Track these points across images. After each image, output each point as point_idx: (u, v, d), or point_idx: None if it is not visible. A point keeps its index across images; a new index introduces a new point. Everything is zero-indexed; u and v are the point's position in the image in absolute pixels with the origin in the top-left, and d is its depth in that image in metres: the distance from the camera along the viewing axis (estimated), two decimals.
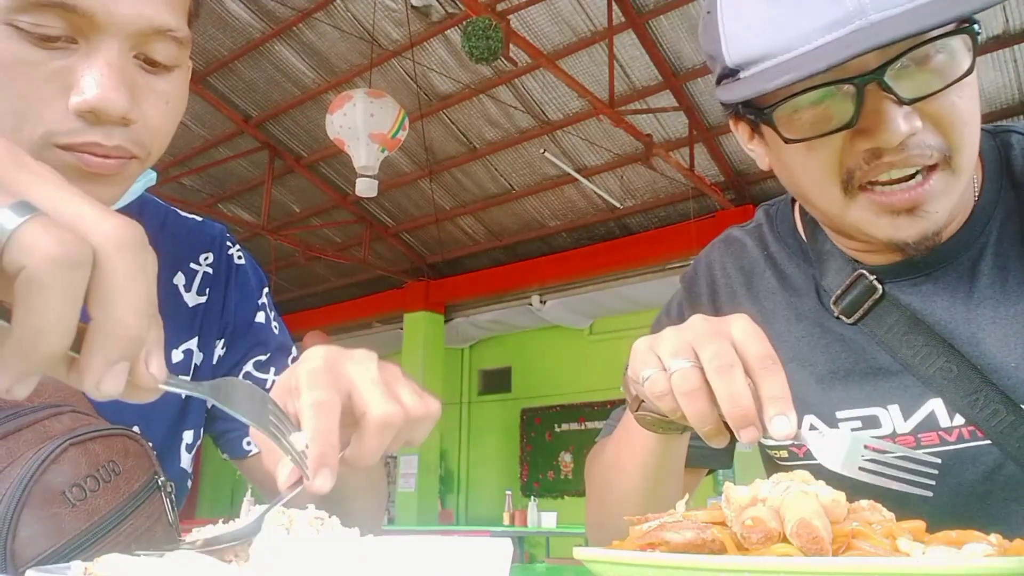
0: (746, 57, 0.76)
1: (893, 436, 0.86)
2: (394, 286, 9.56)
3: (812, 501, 0.48)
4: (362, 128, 5.17)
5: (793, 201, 1.02)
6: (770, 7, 0.74)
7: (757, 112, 0.80)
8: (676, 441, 0.83)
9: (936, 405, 0.84)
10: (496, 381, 10.26)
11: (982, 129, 0.91)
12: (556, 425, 9.43)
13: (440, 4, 6.05)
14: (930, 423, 0.84)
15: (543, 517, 7.59)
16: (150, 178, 0.84)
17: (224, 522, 0.56)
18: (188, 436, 0.92)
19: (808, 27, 0.71)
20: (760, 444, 0.96)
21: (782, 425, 0.59)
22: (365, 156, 5.31)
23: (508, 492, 8.54)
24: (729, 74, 0.79)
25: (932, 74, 0.73)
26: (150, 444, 0.78)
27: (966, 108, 0.75)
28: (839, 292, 0.90)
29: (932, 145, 0.75)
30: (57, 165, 0.68)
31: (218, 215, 8.47)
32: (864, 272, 0.88)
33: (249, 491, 1.01)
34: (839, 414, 0.89)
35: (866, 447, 0.61)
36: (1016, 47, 5.44)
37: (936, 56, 0.73)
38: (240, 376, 0.96)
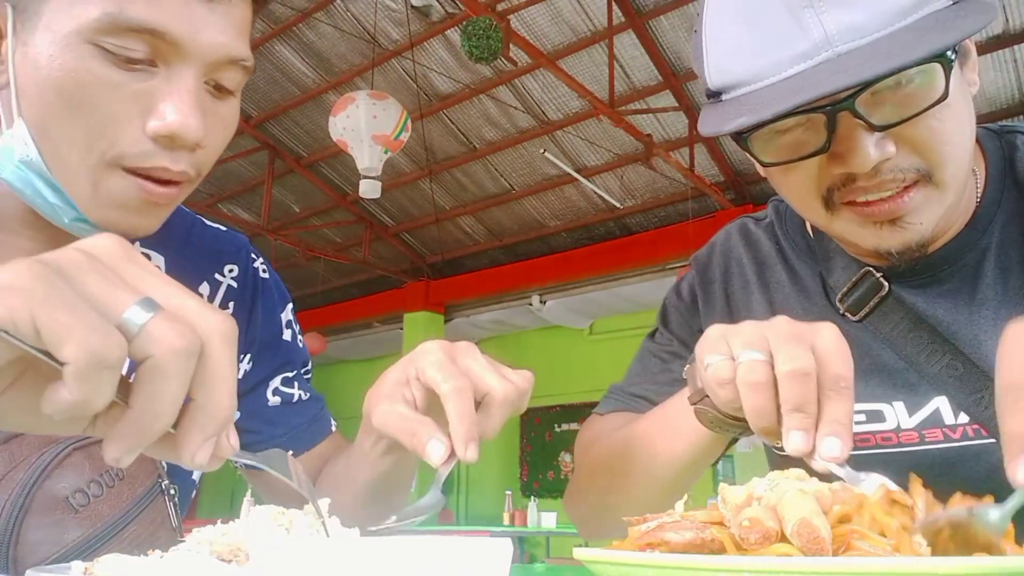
0: (724, 82, 0.78)
1: (897, 431, 0.86)
2: (394, 286, 9.56)
3: (811, 501, 0.48)
4: (365, 130, 5.17)
5: None
6: (744, 34, 0.75)
7: (737, 136, 0.80)
8: (719, 443, 0.81)
9: (941, 403, 0.84)
10: None
11: (987, 128, 0.91)
12: (556, 425, 9.43)
13: (440, 4, 6.05)
14: (935, 420, 0.85)
15: (543, 517, 7.60)
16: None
17: (223, 522, 0.56)
18: None
19: (778, 57, 0.72)
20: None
21: (832, 447, 0.57)
22: (368, 157, 5.31)
23: (508, 492, 8.54)
24: (712, 95, 0.80)
25: (905, 99, 0.72)
26: None
27: (946, 128, 0.74)
28: (845, 289, 0.90)
29: (906, 168, 0.74)
30: (120, 190, 0.70)
31: (218, 215, 8.47)
32: (871, 269, 0.88)
33: (249, 491, 1.00)
34: None
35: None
36: (1016, 47, 5.44)
37: (909, 84, 0.72)
38: (269, 392, 0.98)
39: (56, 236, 0.74)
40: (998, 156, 0.89)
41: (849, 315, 0.90)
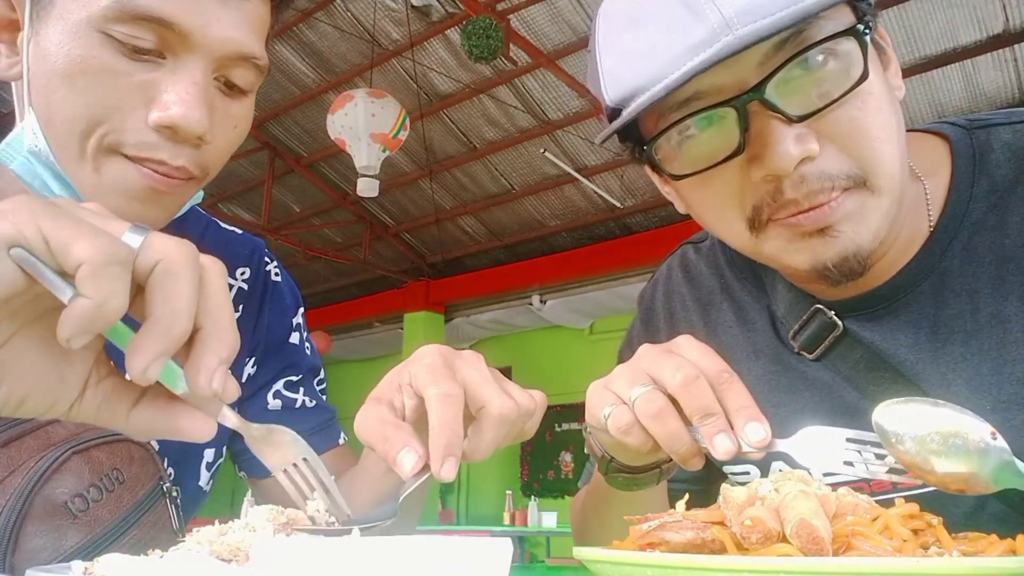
0: (622, 93, 0.70)
1: (868, 480, 0.79)
2: (394, 286, 9.55)
3: (812, 501, 0.48)
4: (363, 128, 5.17)
5: None
6: (637, 37, 0.69)
7: (641, 152, 0.74)
8: (655, 491, 0.79)
9: None
10: None
11: (953, 124, 0.81)
12: (556, 425, 9.42)
13: (440, 4, 6.05)
14: None
15: (543, 517, 7.60)
16: (198, 197, 0.84)
17: (222, 522, 0.56)
18: (209, 455, 0.91)
19: (675, 52, 0.65)
20: (723, 470, 0.92)
21: (756, 431, 0.57)
22: (366, 156, 5.31)
23: (508, 492, 8.54)
24: (613, 115, 0.73)
25: (821, 86, 0.66)
26: (157, 450, 0.77)
27: (872, 120, 0.67)
28: (797, 327, 0.83)
29: (835, 174, 0.67)
30: (120, 174, 0.70)
31: (218, 215, 8.38)
32: (821, 307, 0.81)
33: (250, 492, 1.00)
34: None
35: (848, 440, 0.58)
36: (1016, 47, 5.43)
37: (823, 66, 0.65)
38: (270, 395, 0.95)
39: None
40: (967, 157, 0.78)
41: (805, 354, 0.83)
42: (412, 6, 6.01)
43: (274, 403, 0.96)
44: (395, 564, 0.43)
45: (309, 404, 0.98)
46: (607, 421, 0.62)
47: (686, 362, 0.60)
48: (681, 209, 0.84)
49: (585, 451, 0.80)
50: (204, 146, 0.72)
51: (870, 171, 0.68)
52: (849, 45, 0.65)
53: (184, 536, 0.82)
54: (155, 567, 0.48)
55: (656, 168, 0.74)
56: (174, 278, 0.42)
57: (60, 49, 0.67)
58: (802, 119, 0.66)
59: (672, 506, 0.56)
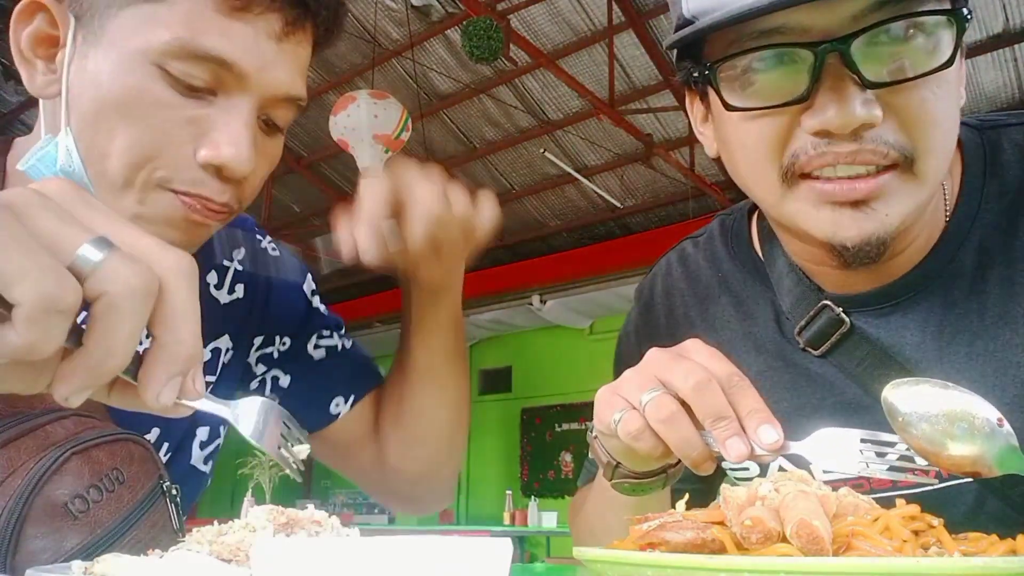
0: (704, 5, 0.67)
1: (869, 478, 0.78)
2: (394, 286, 9.53)
3: (812, 501, 0.48)
4: (366, 129, 5.17)
5: (750, 213, 0.93)
6: None
7: (702, 72, 0.70)
8: (658, 495, 0.78)
9: None
10: (496, 381, 10.24)
11: (967, 124, 0.80)
12: (556, 425, 9.42)
13: (440, 4, 6.05)
14: (906, 461, 0.79)
15: (543, 517, 7.60)
16: None
17: (220, 522, 0.56)
18: (202, 433, 0.92)
19: None
20: (727, 473, 0.92)
21: (769, 434, 0.57)
22: (369, 157, 5.31)
23: (508, 492, 8.54)
24: (685, 24, 0.70)
25: (905, 59, 0.63)
26: (159, 446, 0.77)
27: (940, 108, 0.65)
28: (803, 323, 0.82)
29: (891, 143, 0.65)
30: (165, 206, 0.70)
31: None
32: (829, 303, 0.80)
33: (250, 491, 1.01)
34: None
35: (862, 440, 0.59)
36: (1016, 46, 5.44)
37: (913, 39, 0.63)
38: (310, 347, 0.99)
39: None
40: (977, 157, 0.78)
41: (810, 350, 0.82)
42: (412, 6, 6.01)
43: (317, 353, 0.99)
44: (395, 564, 0.43)
45: (347, 345, 1.02)
46: (617, 426, 0.62)
47: (697, 366, 0.59)
48: (711, 152, 0.80)
49: (589, 455, 0.79)
50: (245, 183, 0.73)
51: (922, 155, 0.66)
52: (945, 27, 0.63)
53: (184, 536, 0.82)
54: (155, 567, 0.48)
55: (714, 90, 0.70)
56: (117, 314, 0.39)
57: (113, 79, 0.66)
58: (875, 86, 0.63)
59: (673, 506, 0.56)
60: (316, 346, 0.99)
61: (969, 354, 0.75)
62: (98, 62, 0.67)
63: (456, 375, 0.96)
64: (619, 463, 0.72)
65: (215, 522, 0.56)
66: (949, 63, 0.63)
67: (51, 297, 0.37)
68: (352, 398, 0.98)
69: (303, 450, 0.58)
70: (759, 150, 0.70)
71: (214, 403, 0.51)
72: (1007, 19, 5.27)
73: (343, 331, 1.04)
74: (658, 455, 0.61)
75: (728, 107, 0.69)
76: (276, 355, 0.97)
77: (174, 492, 0.76)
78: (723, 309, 0.92)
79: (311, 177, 8.41)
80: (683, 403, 0.60)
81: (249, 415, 0.55)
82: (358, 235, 0.72)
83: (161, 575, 0.47)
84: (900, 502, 0.52)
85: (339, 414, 0.97)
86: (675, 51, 0.75)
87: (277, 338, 0.97)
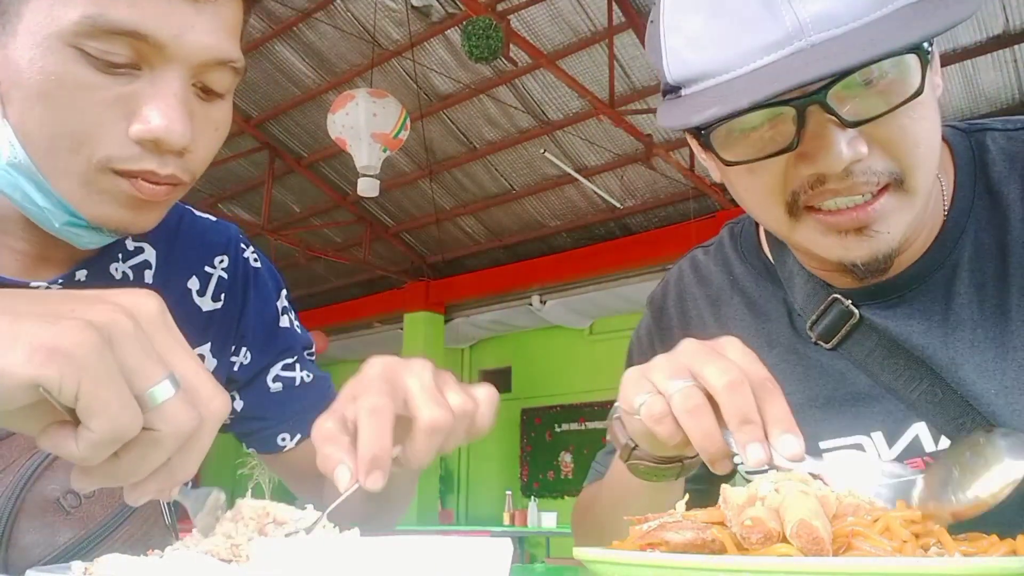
0: (686, 75, 0.73)
1: None
2: (394, 286, 9.55)
3: (812, 501, 0.48)
4: (364, 128, 5.17)
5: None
6: (709, 23, 0.70)
7: (697, 132, 0.75)
8: (673, 487, 0.79)
9: (920, 429, 0.81)
10: (496, 381, 10.14)
11: (953, 127, 0.86)
12: (556, 425, 9.42)
13: (440, 4, 6.05)
14: (915, 449, 0.81)
15: (543, 517, 7.60)
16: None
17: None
18: (285, 442, 0.93)
19: (747, 47, 0.67)
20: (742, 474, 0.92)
21: (790, 444, 0.57)
22: (367, 156, 5.31)
23: (508, 492, 8.54)
24: (671, 90, 0.76)
25: (878, 95, 0.68)
26: None
27: (919, 129, 0.71)
28: (814, 317, 0.85)
29: (879, 171, 0.70)
30: (111, 189, 0.69)
31: (218, 215, 8.37)
32: (838, 296, 0.83)
33: (249, 492, 1.01)
34: (822, 444, 0.85)
35: (882, 473, 0.58)
36: (1016, 47, 5.44)
37: (883, 76, 0.68)
38: (269, 379, 0.98)
39: (50, 238, 0.73)
40: (967, 158, 0.83)
41: (821, 343, 0.85)
42: (412, 6, 6.01)
43: (275, 386, 0.98)
44: (395, 564, 0.43)
45: (307, 379, 1.00)
46: (641, 408, 0.63)
47: (733, 365, 0.60)
48: (716, 178, 0.86)
49: (607, 437, 0.80)
50: (188, 154, 0.71)
51: (909, 173, 0.71)
52: (910, 60, 0.67)
53: (177, 533, 0.83)
54: (155, 567, 0.48)
55: (710, 151, 0.75)
56: (157, 449, 0.44)
57: (32, 65, 0.65)
58: (856, 124, 0.68)
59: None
60: (276, 378, 0.98)
61: (972, 341, 0.78)
62: (18, 50, 0.65)
63: (410, 485, 0.91)
64: (636, 445, 0.73)
65: (230, 512, 0.57)
66: (918, 92, 0.68)
67: (119, 432, 0.42)
68: (299, 437, 0.97)
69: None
70: (762, 194, 0.76)
71: (182, 494, 0.57)
72: (1007, 19, 5.27)
73: (311, 354, 1.03)
74: (676, 443, 0.62)
75: (726, 163, 0.75)
76: (238, 367, 0.96)
77: None
78: (735, 310, 0.94)
79: (311, 177, 8.41)
80: (710, 398, 0.60)
81: (199, 506, 0.60)
82: (361, 471, 0.60)
83: (161, 575, 0.47)
84: (900, 503, 0.52)
85: (284, 448, 0.97)
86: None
87: (243, 350, 0.96)
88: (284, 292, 1.03)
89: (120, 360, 0.42)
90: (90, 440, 0.41)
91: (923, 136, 0.71)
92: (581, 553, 0.52)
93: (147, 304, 0.46)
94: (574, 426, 9.20)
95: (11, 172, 0.69)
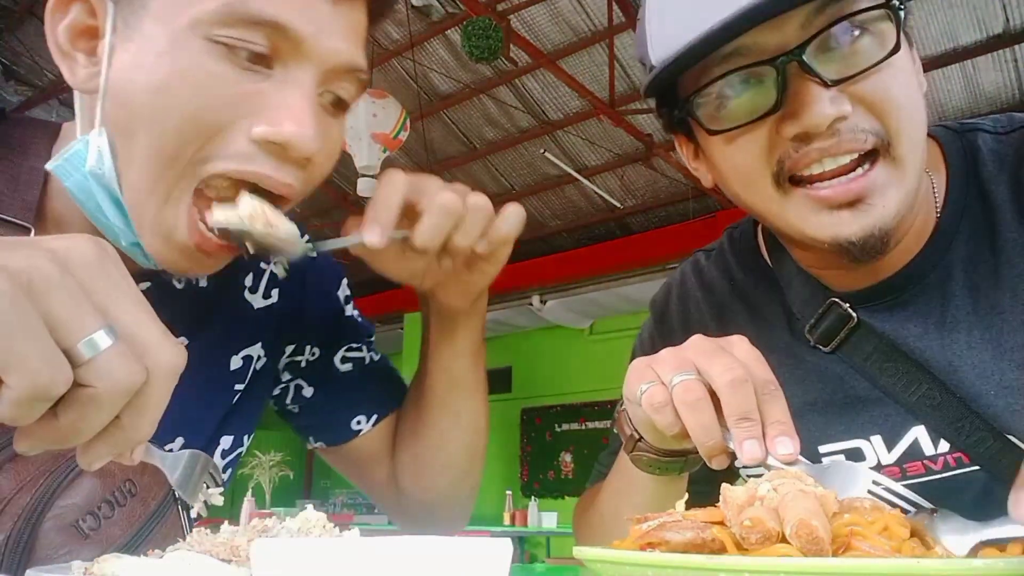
0: (668, 52, 0.73)
1: (879, 468, 0.83)
2: (394, 286, 9.49)
3: (811, 501, 0.48)
4: (364, 128, 5.17)
5: (756, 223, 0.98)
6: (689, 1, 0.72)
7: (680, 108, 0.77)
8: (676, 482, 0.80)
9: (919, 432, 0.81)
10: (496, 381, 10.24)
11: (946, 127, 0.86)
12: (556, 425, 9.42)
13: (440, 4, 6.05)
14: (914, 452, 0.81)
15: (543, 517, 7.60)
16: None
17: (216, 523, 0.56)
18: (226, 441, 0.89)
19: (719, 8, 0.68)
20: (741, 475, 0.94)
21: (785, 446, 0.58)
22: (367, 156, 5.31)
23: (508, 492, 8.54)
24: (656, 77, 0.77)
25: (857, 55, 0.70)
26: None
27: (900, 91, 0.72)
28: (813, 321, 0.86)
29: (866, 128, 0.71)
30: (175, 218, 0.65)
31: None
32: (837, 300, 0.84)
33: (250, 491, 1.00)
34: (821, 448, 0.86)
35: (874, 482, 0.60)
36: (1016, 47, 5.43)
37: (860, 37, 0.70)
38: (337, 361, 0.97)
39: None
40: (959, 158, 0.84)
41: (820, 347, 0.86)
42: (412, 6, 6.01)
43: (344, 367, 0.97)
44: (395, 564, 0.43)
45: (375, 358, 1.00)
46: (642, 396, 0.64)
47: (737, 363, 0.61)
48: (707, 183, 0.86)
49: (613, 430, 0.80)
50: (311, 166, 0.67)
51: (895, 137, 0.72)
52: (884, 20, 0.70)
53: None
54: (155, 567, 0.48)
55: (695, 120, 0.77)
56: (95, 408, 0.41)
57: (160, 60, 0.61)
58: (837, 83, 0.69)
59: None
60: (344, 359, 0.96)
61: (968, 342, 0.79)
62: (145, 44, 0.62)
63: (474, 404, 0.92)
64: (641, 437, 0.74)
65: (226, 522, 0.56)
66: (896, 49, 0.70)
67: (42, 388, 0.38)
68: (375, 417, 0.95)
69: (216, 495, 0.60)
70: (747, 163, 0.76)
71: (149, 455, 0.54)
72: (1007, 19, 5.27)
73: (372, 340, 1.02)
74: (673, 434, 0.63)
75: (711, 132, 0.76)
76: (304, 364, 0.95)
77: (183, 501, 0.74)
78: (736, 315, 0.95)
79: None
80: (712, 394, 0.61)
81: (177, 467, 0.57)
82: (369, 222, 0.69)
83: (161, 575, 0.47)
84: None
85: (360, 431, 0.95)
86: (655, 101, 0.83)
87: (308, 347, 0.94)
88: (344, 281, 1.01)
89: (43, 310, 0.39)
90: (11, 398, 0.38)
91: (905, 99, 0.72)
92: (581, 553, 0.52)
93: (81, 248, 0.42)
94: (574, 426, 9.20)
95: (91, 180, 0.66)
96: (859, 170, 0.71)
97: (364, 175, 5.45)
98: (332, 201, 8.67)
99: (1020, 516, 0.47)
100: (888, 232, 0.73)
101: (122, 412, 0.43)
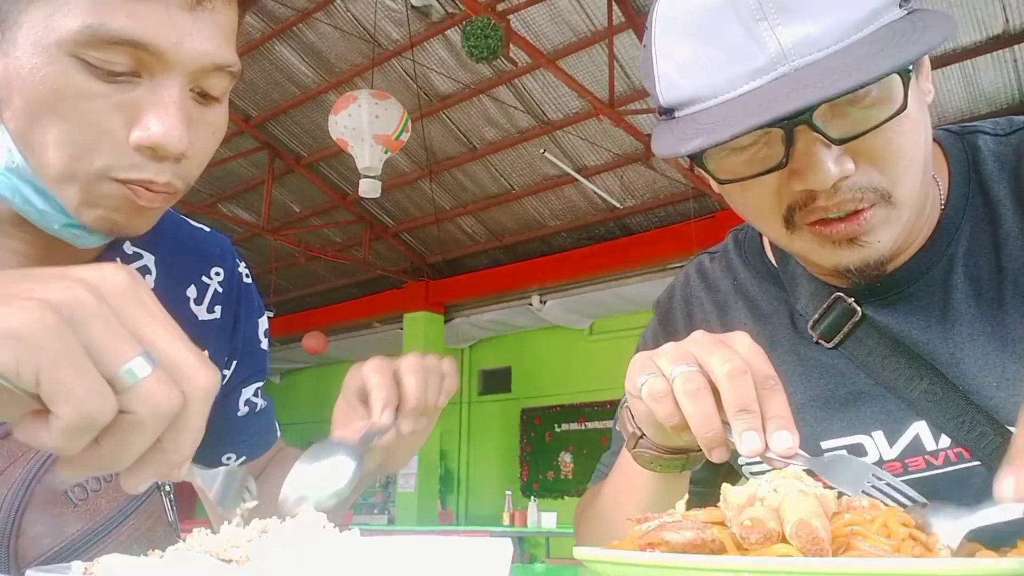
0: (677, 99, 0.76)
1: (880, 463, 0.83)
2: (394, 286, 9.55)
3: (811, 501, 0.48)
4: (367, 129, 5.17)
5: None
6: (697, 50, 0.73)
7: (692, 155, 0.77)
8: (677, 481, 0.80)
9: (920, 428, 0.81)
10: (496, 381, 10.25)
11: (947, 131, 0.89)
12: (556, 425, 9.42)
13: (440, 4, 6.05)
14: (916, 447, 0.82)
15: (543, 517, 7.59)
16: None
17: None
18: (230, 461, 0.94)
19: (733, 73, 0.70)
20: (740, 466, 0.95)
21: (784, 440, 0.58)
22: (369, 157, 5.32)
23: (508, 492, 8.54)
24: (665, 112, 0.79)
25: (864, 112, 0.70)
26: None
27: (904, 142, 0.73)
28: (816, 316, 0.87)
29: (865, 187, 0.73)
30: (111, 196, 0.69)
31: (218, 215, 8.46)
32: (841, 295, 0.85)
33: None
34: (823, 444, 0.86)
35: (874, 475, 0.60)
36: (1016, 47, 5.44)
37: (867, 95, 0.70)
38: (240, 402, 0.99)
39: (50, 240, 0.74)
40: (960, 158, 0.86)
41: (823, 342, 0.87)
42: (412, 6, 6.01)
43: (243, 409, 0.99)
44: (395, 564, 0.43)
45: (263, 405, 1.03)
46: (643, 388, 0.64)
47: (737, 356, 0.61)
48: (716, 188, 0.88)
49: (616, 428, 0.81)
50: (184, 160, 0.71)
51: (895, 187, 0.73)
52: (893, 79, 0.69)
53: (179, 529, 0.83)
54: (155, 567, 0.48)
55: (705, 171, 0.79)
56: (138, 433, 0.42)
57: (34, 74, 0.65)
58: (842, 142, 0.70)
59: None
60: (246, 402, 0.99)
61: (970, 334, 0.80)
62: (19, 58, 0.65)
63: None
64: (643, 434, 0.75)
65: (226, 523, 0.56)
66: (903, 108, 0.70)
67: (90, 417, 0.40)
68: (243, 459, 0.99)
69: (251, 507, 0.61)
70: (759, 208, 0.79)
71: (190, 473, 0.55)
72: (1007, 19, 5.27)
73: (265, 380, 1.05)
74: (672, 425, 0.63)
75: (721, 182, 0.78)
76: (224, 380, 0.97)
77: (167, 488, 0.78)
78: (738, 313, 0.97)
79: (311, 177, 8.41)
80: (713, 387, 0.61)
81: (214, 482, 0.58)
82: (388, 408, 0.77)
83: (161, 575, 0.47)
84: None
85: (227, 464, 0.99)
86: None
87: (234, 363, 0.97)
88: (266, 315, 1.04)
89: (85, 340, 0.40)
90: (60, 428, 0.39)
91: (907, 148, 0.73)
92: (581, 553, 0.52)
93: (114, 278, 0.43)
94: (574, 426, 9.20)
95: (9, 176, 0.69)
96: (857, 215, 0.74)
97: (366, 176, 5.45)
98: (332, 201, 8.67)
99: (1003, 496, 0.47)
100: (883, 262, 0.77)
101: (162, 435, 0.44)
